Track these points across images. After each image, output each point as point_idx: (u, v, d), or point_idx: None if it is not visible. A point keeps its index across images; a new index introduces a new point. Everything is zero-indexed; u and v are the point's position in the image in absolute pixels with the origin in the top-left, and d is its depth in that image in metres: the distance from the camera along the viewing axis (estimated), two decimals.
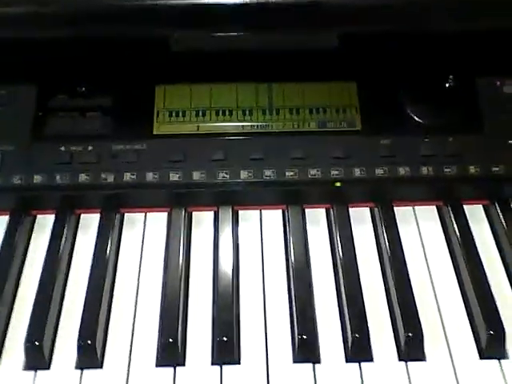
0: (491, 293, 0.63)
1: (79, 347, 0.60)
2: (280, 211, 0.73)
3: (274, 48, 0.76)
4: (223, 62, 0.77)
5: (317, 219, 0.73)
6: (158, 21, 0.70)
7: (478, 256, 0.67)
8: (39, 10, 0.69)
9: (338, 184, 0.72)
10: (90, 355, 0.60)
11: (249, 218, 0.73)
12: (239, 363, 0.61)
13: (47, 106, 0.75)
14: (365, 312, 0.62)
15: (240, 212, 0.73)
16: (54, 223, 0.71)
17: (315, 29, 0.72)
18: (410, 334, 0.60)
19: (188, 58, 0.76)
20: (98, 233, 0.70)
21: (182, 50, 0.76)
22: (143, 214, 0.74)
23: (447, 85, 0.76)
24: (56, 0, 0.69)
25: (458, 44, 0.76)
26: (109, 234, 0.70)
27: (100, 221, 0.72)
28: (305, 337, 0.60)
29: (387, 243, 0.68)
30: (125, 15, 0.70)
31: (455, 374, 0.59)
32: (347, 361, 0.60)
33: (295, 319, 0.62)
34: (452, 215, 0.71)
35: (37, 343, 0.60)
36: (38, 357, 0.60)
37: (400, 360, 0.60)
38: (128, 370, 0.60)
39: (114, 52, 0.76)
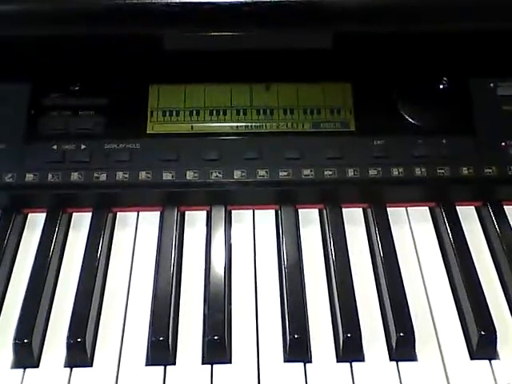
0: (483, 293, 0.63)
1: (69, 345, 0.60)
2: (273, 211, 0.73)
3: (269, 48, 0.76)
4: (218, 61, 0.77)
5: (310, 219, 0.72)
6: (153, 20, 0.70)
7: (470, 257, 0.67)
8: (32, 8, 0.69)
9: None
10: (80, 353, 0.60)
11: (242, 217, 0.73)
12: (230, 362, 0.60)
13: (40, 104, 0.75)
14: (357, 312, 0.62)
15: (233, 212, 0.73)
16: (46, 222, 0.71)
17: (310, 29, 0.72)
18: (402, 334, 0.60)
19: (182, 58, 0.76)
20: (90, 232, 0.70)
21: (176, 50, 0.75)
22: (135, 213, 0.73)
23: (441, 86, 0.76)
24: None
25: (452, 46, 0.76)
26: (101, 233, 0.70)
27: (92, 220, 0.71)
28: (296, 336, 0.60)
29: (380, 244, 0.68)
30: (119, 14, 0.69)
31: (446, 374, 0.59)
32: (338, 361, 0.60)
33: (287, 319, 0.62)
34: (444, 216, 0.71)
35: (26, 341, 0.59)
36: (26, 354, 0.60)
37: (391, 360, 0.60)
38: (118, 369, 0.60)
39: (107, 51, 0.76)
